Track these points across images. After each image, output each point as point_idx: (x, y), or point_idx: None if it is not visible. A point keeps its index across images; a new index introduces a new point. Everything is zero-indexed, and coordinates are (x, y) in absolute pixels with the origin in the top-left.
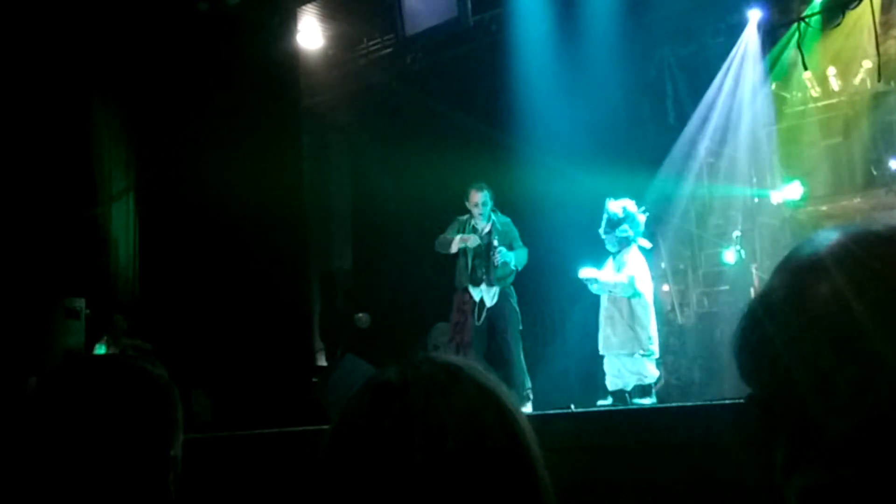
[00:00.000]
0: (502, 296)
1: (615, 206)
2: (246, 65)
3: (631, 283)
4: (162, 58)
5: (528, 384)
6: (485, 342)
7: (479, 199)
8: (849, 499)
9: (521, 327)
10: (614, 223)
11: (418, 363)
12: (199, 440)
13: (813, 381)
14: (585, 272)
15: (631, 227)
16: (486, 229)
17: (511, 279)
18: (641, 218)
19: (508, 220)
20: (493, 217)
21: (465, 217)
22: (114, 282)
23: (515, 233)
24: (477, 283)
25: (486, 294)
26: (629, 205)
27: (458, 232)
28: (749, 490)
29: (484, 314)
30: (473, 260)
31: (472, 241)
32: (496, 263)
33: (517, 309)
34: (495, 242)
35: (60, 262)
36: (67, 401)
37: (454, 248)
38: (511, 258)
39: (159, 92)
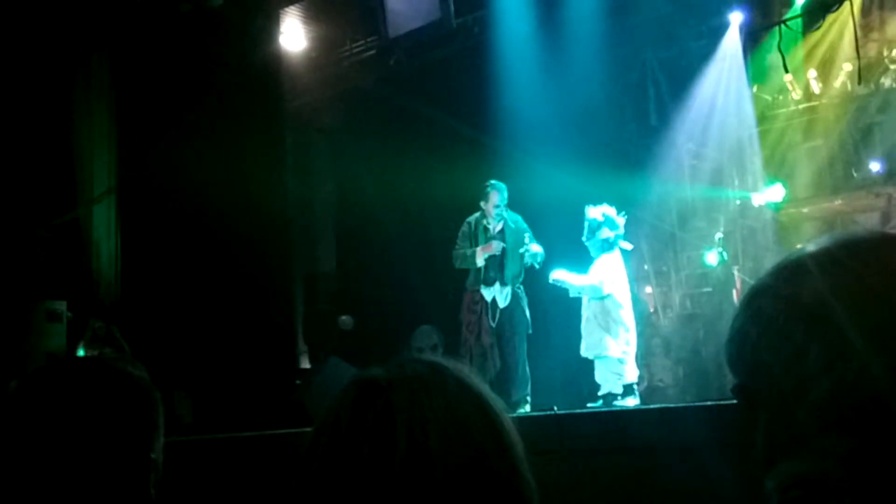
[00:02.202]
0: (514, 298)
1: (594, 212)
2: (229, 67)
3: (600, 286)
4: (144, 59)
5: (528, 389)
6: (496, 343)
7: (498, 199)
8: (828, 488)
9: (530, 331)
10: (594, 228)
11: (403, 363)
12: (181, 443)
13: (787, 359)
14: (556, 274)
15: (611, 230)
16: (499, 228)
17: (522, 278)
18: (620, 221)
19: (519, 217)
20: (505, 215)
21: (475, 217)
22: (95, 284)
23: (528, 230)
24: (490, 284)
25: (499, 294)
26: (607, 209)
27: (469, 237)
28: (729, 490)
29: (497, 315)
30: (487, 260)
31: (496, 247)
32: (529, 261)
33: (527, 312)
34: (526, 239)
35: (41, 264)
36: (47, 403)
37: (480, 262)
38: (537, 257)
39: (141, 93)
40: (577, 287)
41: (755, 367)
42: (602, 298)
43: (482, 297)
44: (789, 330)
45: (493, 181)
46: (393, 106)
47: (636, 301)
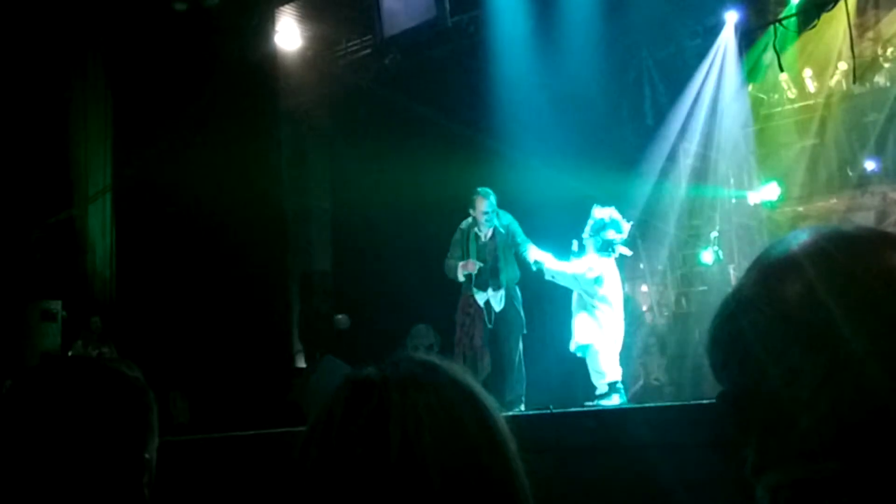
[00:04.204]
0: (508, 299)
1: (602, 213)
2: (224, 66)
3: (579, 277)
4: (140, 58)
5: (523, 389)
6: (491, 345)
7: (485, 206)
8: (819, 495)
9: (524, 331)
10: (598, 228)
11: (397, 361)
12: (177, 443)
13: (782, 375)
14: (534, 254)
15: (617, 233)
16: (489, 234)
17: (517, 280)
18: (626, 227)
19: (511, 218)
20: (495, 221)
21: (467, 223)
22: (90, 284)
23: (519, 230)
24: (483, 289)
25: (493, 298)
26: (616, 213)
27: (460, 245)
28: (724, 489)
29: (493, 317)
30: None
31: (474, 267)
32: (532, 268)
33: (521, 313)
34: (528, 246)
35: (37, 264)
36: (41, 403)
37: (461, 278)
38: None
39: (137, 93)
40: (553, 271)
41: (746, 378)
42: (587, 289)
43: (475, 301)
44: (785, 342)
45: (479, 188)
46: (388, 105)
47: (627, 300)
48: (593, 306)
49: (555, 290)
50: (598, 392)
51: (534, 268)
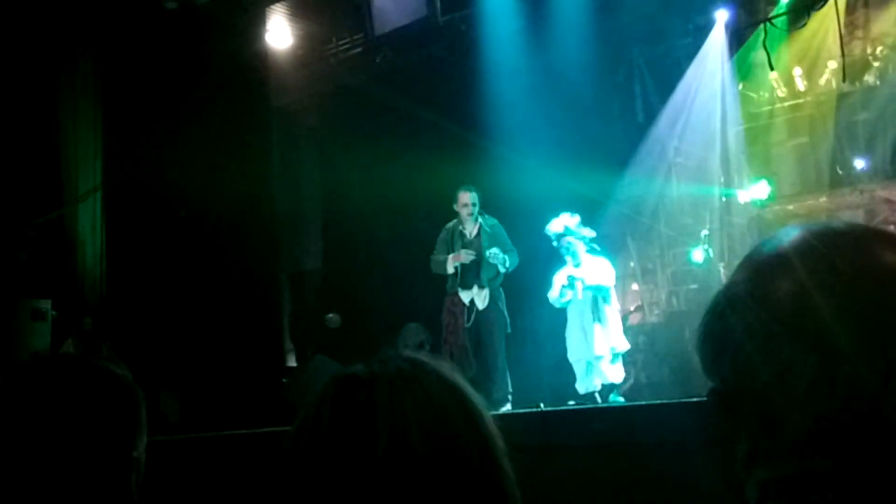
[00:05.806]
0: (491, 298)
1: (567, 220)
2: (215, 64)
3: (606, 285)
4: (130, 57)
5: (509, 387)
6: (475, 344)
7: (468, 199)
8: (808, 492)
9: (508, 331)
10: (575, 232)
11: (385, 359)
12: (167, 442)
13: (773, 373)
14: (572, 272)
15: (590, 230)
16: (475, 232)
17: (500, 280)
18: (586, 232)
19: (496, 221)
20: (480, 219)
21: (452, 223)
22: (80, 283)
23: (504, 235)
24: (468, 287)
25: (477, 297)
26: (566, 220)
27: (446, 243)
28: (715, 486)
29: (473, 316)
30: (464, 264)
31: (465, 257)
32: (492, 262)
33: (505, 312)
34: (495, 250)
35: (26, 263)
36: (29, 401)
37: (451, 269)
38: (502, 260)
39: (127, 91)
40: (592, 285)
41: (737, 375)
42: (595, 298)
43: (461, 300)
44: (775, 340)
45: (464, 184)
46: (379, 103)
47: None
48: (602, 314)
49: (538, 290)
50: (591, 391)
51: (502, 270)
